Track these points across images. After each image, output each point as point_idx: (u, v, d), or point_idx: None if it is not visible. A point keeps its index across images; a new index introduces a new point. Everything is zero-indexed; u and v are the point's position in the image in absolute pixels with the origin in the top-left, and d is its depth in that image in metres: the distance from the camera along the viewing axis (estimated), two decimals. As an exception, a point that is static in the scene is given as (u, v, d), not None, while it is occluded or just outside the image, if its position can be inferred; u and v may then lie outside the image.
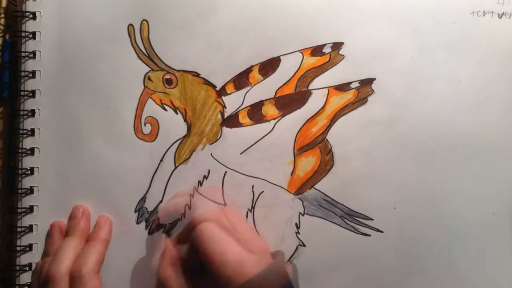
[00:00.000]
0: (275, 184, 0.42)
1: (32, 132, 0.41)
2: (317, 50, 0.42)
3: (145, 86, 0.42)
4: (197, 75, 0.42)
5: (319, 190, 0.41)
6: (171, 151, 0.42)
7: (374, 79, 0.41)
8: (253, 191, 0.42)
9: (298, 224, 0.41)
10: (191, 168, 0.42)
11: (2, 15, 0.43)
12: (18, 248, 0.41)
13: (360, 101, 0.41)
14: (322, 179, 0.41)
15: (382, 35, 0.42)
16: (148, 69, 0.42)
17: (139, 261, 0.42)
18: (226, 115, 0.42)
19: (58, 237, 0.41)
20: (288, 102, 0.42)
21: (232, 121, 0.42)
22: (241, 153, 0.42)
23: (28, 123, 0.41)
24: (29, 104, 0.41)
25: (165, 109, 0.42)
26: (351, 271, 0.41)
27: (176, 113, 0.42)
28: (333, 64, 0.42)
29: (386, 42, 0.42)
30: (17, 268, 0.41)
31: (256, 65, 0.42)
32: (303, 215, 0.41)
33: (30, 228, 0.41)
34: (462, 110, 0.42)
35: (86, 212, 0.41)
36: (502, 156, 0.42)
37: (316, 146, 0.41)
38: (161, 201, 0.42)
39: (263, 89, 0.42)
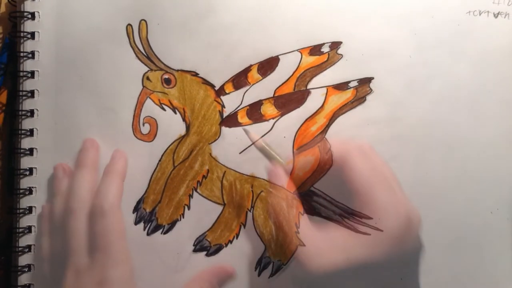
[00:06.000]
0: (274, 184, 0.42)
1: (31, 132, 0.41)
2: (315, 49, 0.42)
3: (143, 86, 0.42)
4: (195, 74, 0.42)
5: (318, 189, 0.41)
6: (170, 151, 0.42)
7: (372, 78, 0.42)
8: (252, 191, 0.42)
9: (297, 223, 0.41)
10: (190, 168, 0.42)
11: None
12: (17, 249, 0.41)
13: (358, 100, 0.42)
14: (321, 178, 0.41)
15: (380, 34, 0.42)
16: (146, 69, 0.42)
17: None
18: (225, 114, 0.42)
19: (63, 176, 0.41)
20: (287, 101, 0.42)
21: (231, 120, 0.42)
22: (240, 153, 0.42)
23: (27, 123, 0.41)
24: (28, 104, 0.41)
25: (164, 109, 0.42)
26: (351, 270, 0.41)
27: (175, 112, 0.42)
28: (332, 63, 0.42)
29: (384, 41, 0.42)
30: (16, 269, 0.41)
31: (254, 64, 0.42)
32: (302, 214, 0.41)
33: (29, 229, 0.41)
34: (460, 109, 0.42)
35: (95, 144, 0.41)
36: (500, 155, 0.42)
37: (315, 145, 0.41)
38: (159, 202, 0.42)
39: (262, 89, 0.42)
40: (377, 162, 0.40)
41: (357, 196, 0.39)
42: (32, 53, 0.41)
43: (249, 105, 0.42)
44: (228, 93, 0.42)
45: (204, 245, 0.42)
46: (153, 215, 0.42)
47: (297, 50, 0.42)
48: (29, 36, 0.41)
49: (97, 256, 0.38)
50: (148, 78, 0.42)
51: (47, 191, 0.42)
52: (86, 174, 0.40)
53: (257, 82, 0.42)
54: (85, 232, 0.39)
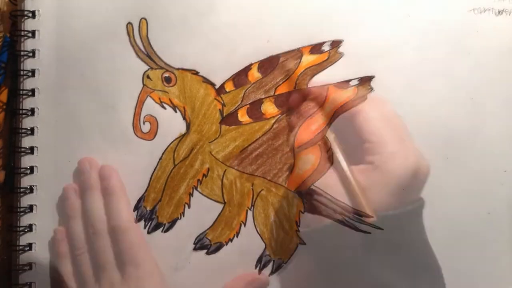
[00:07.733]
0: (275, 182, 0.42)
1: (31, 131, 0.42)
2: (316, 48, 0.42)
3: (144, 85, 0.42)
4: (196, 73, 0.42)
5: (319, 188, 0.41)
6: (170, 149, 0.42)
7: (373, 76, 0.41)
8: (252, 189, 0.42)
9: (298, 222, 0.41)
10: (190, 166, 0.42)
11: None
12: (18, 248, 0.41)
13: (359, 98, 0.41)
14: (322, 177, 0.41)
15: (381, 33, 0.42)
16: (147, 67, 0.42)
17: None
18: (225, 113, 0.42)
19: (75, 197, 0.42)
20: (288, 100, 0.42)
21: (231, 119, 0.42)
22: (240, 151, 0.42)
23: (27, 122, 0.42)
24: (28, 103, 0.42)
25: (164, 108, 0.42)
26: (351, 268, 0.41)
27: (175, 111, 0.42)
28: (332, 62, 0.42)
29: (385, 39, 0.42)
30: (17, 267, 0.41)
31: (255, 63, 0.42)
32: (303, 212, 0.41)
33: (30, 227, 0.42)
34: (461, 107, 0.42)
35: (93, 162, 0.42)
36: (500, 154, 0.42)
37: (315, 143, 0.41)
38: (160, 200, 0.42)
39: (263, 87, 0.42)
40: (388, 113, 0.41)
41: (367, 143, 0.40)
42: (33, 51, 0.41)
43: (250, 103, 0.42)
44: (229, 92, 0.42)
45: (205, 244, 0.42)
46: (153, 214, 0.42)
47: (297, 48, 0.42)
48: (29, 34, 0.41)
49: (128, 270, 0.40)
50: (148, 77, 0.42)
51: (47, 191, 0.42)
52: (96, 198, 0.41)
53: (257, 81, 0.42)
54: (110, 249, 0.40)
